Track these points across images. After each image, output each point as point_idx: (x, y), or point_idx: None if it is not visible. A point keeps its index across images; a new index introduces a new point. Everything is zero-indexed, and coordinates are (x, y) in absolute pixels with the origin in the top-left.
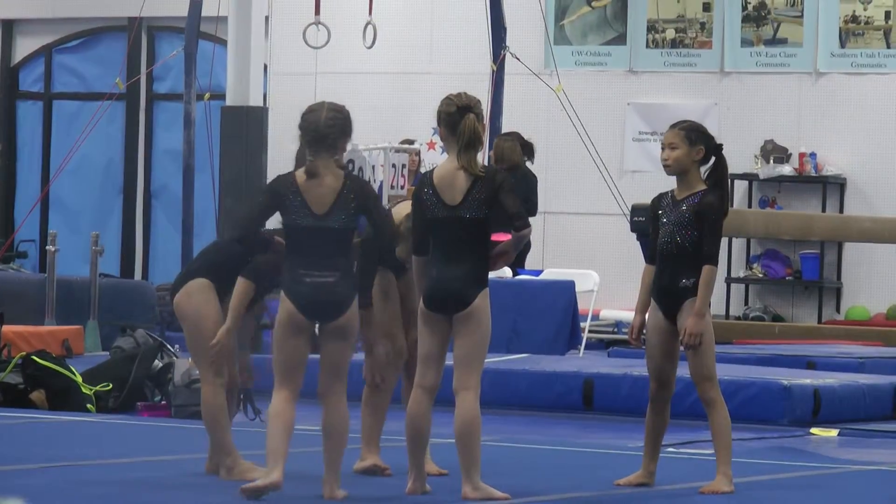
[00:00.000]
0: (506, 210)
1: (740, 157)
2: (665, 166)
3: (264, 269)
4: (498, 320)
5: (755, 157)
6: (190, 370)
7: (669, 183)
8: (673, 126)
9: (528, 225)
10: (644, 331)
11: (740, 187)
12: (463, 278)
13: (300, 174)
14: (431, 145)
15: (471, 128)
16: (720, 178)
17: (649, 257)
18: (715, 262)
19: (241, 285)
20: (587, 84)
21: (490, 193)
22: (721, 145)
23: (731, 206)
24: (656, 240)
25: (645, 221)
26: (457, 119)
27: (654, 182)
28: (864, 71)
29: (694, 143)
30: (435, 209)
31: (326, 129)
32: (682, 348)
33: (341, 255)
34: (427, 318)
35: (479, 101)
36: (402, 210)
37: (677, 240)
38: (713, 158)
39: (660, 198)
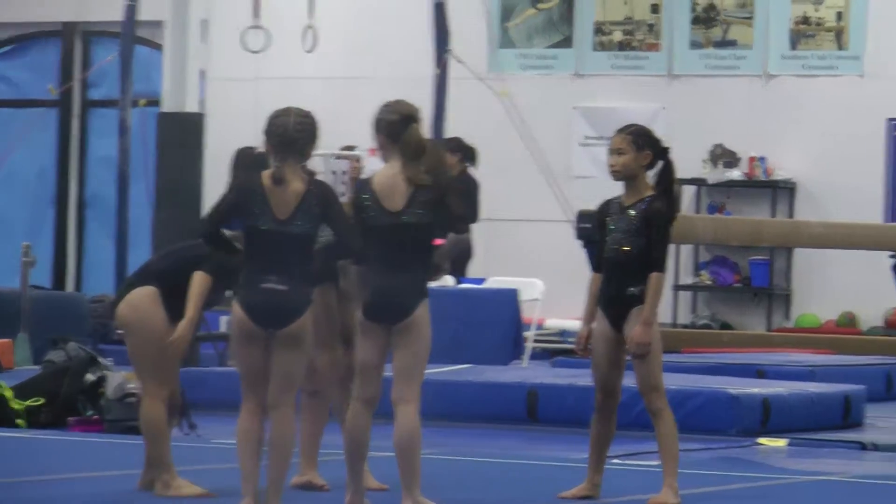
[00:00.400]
0: (450, 211)
1: (689, 162)
2: (612, 172)
3: (221, 271)
4: (440, 330)
5: (704, 161)
6: (123, 384)
7: (616, 189)
8: (620, 131)
9: (468, 229)
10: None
11: (688, 192)
12: (404, 287)
13: (266, 176)
14: (373, 151)
15: (417, 138)
16: (668, 183)
17: (596, 265)
18: (663, 269)
19: (199, 277)
20: (533, 88)
21: (434, 197)
22: (668, 149)
23: (679, 211)
24: (603, 247)
25: (591, 228)
26: (399, 128)
27: (601, 188)
28: (815, 73)
29: (641, 148)
30: (376, 216)
31: (296, 133)
32: (628, 357)
33: (299, 262)
34: (366, 329)
35: (418, 108)
36: None
37: (624, 247)
38: (661, 163)
39: (607, 204)
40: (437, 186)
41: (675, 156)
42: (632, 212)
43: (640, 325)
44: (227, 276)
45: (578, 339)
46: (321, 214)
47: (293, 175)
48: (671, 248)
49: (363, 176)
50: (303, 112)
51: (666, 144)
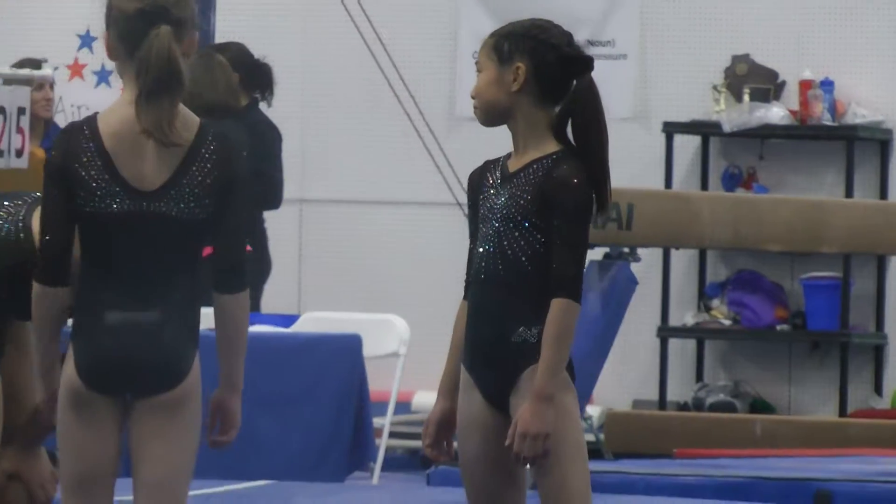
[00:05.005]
0: (227, 234)
1: (681, 87)
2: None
3: None
4: None
5: (714, 87)
6: None
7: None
8: (494, 33)
9: (244, 285)
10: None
11: (687, 146)
12: (164, 330)
13: None
14: (77, 70)
15: (162, 56)
16: (586, 129)
17: (466, 286)
18: (575, 292)
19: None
20: None
21: (225, 173)
22: (587, 60)
23: (609, 183)
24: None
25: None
26: (138, 29)
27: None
28: None
29: (508, 58)
30: (106, 195)
31: None
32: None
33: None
34: (87, 405)
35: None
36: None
37: (506, 249)
38: (572, 87)
39: (484, 171)
40: (226, 151)
41: (654, 74)
42: (518, 182)
43: (532, 400)
44: None
45: (426, 427)
46: None
47: None
48: (654, 254)
49: (61, 115)
50: None
51: (575, 49)
